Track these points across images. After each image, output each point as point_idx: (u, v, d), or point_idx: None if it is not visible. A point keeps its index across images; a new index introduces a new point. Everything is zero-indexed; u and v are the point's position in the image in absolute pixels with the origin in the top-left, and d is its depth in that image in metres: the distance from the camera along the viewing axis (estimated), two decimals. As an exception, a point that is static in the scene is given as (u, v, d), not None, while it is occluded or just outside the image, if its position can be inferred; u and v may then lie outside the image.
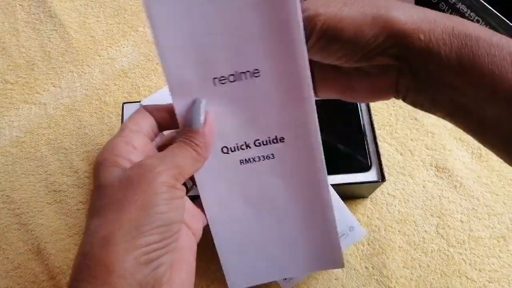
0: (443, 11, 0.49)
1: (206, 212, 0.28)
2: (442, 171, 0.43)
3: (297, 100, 0.26)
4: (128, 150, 0.24)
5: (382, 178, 0.36)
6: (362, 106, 0.39)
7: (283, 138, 0.27)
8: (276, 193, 0.28)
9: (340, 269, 0.39)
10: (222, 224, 0.29)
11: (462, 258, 0.40)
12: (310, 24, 0.24)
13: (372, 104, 0.40)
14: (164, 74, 0.25)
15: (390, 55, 0.24)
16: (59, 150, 0.44)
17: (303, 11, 0.24)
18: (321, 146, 0.27)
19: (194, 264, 0.26)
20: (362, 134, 0.38)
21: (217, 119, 0.26)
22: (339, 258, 0.30)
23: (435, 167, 0.43)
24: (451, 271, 0.39)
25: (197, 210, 0.28)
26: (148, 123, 0.26)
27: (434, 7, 0.50)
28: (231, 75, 0.25)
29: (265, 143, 0.27)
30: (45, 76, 0.48)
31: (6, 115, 0.46)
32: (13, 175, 0.43)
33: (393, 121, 0.45)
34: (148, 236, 0.22)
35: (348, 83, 0.27)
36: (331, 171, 0.36)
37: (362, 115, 0.39)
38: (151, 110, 0.27)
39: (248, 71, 0.25)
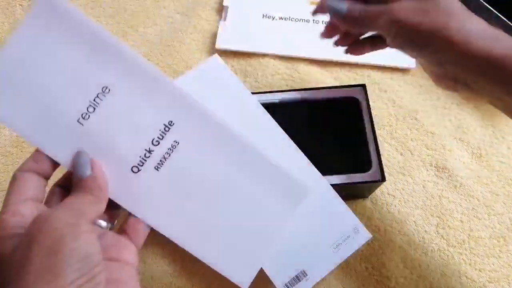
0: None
1: (165, 234, 0.28)
2: (442, 171, 0.43)
3: (153, 86, 0.27)
4: (17, 221, 0.23)
5: (382, 178, 0.36)
6: (363, 106, 0.39)
7: (171, 121, 0.27)
8: (209, 170, 0.28)
9: (340, 269, 0.39)
10: (187, 235, 0.28)
11: (462, 258, 0.40)
12: (391, 25, 0.29)
13: (372, 104, 0.40)
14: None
15: (447, 69, 0.29)
16: (59, 150, 0.44)
17: (387, 12, 0.29)
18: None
19: None
20: (362, 134, 0.38)
21: (106, 148, 0.27)
22: (303, 186, 0.30)
23: (435, 167, 0.43)
24: (451, 271, 0.39)
25: (124, 241, 0.27)
26: (32, 186, 0.25)
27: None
28: (88, 107, 0.26)
29: (160, 136, 0.27)
30: (45, 76, 0.48)
31: (6, 115, 0.46)
32: (13, 175, 0.43)
33: (393, 121, 0.45)
34: (66, 275, 0.20)
35: (437, 74, 0.32)
36: (331, 171, 0.36)
37: (362, 115, 0.39)
38: (32, 169, 0.26)
39: (99, 93, 0.26)
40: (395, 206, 0.42)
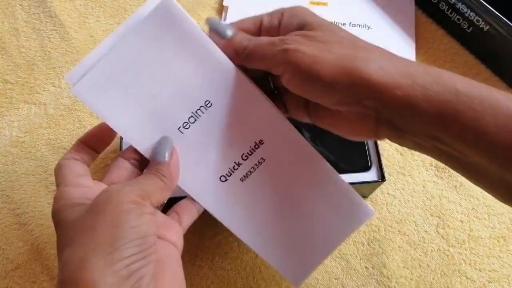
0: (443, 10, 0.49)
1: (243, 239, 0.30)
2: (442, 171, 0.43)
3: (251, 105, 0.28)
4: (80, 191, 0.25)
5: (382, 178, 0.36)
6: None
7: (262, 140, 0.29)
8: (287, 187, 0.30)
9: (340, 269, 0.39)
10: (254, 235, 0.31)
11: (462, 258, 0.40)
12: (286, 58, 0.24)
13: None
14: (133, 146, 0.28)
15: (366, 106, 0.24)
16: (59, 150, 0.44)
17: (283, 42, 0.25)
18: (293, 127, 0.29)
19: (180, 274, 0.27)
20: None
21: (200, 157, 0.29)
22: (366, 210, 0.31)
23: (435, 167, 0.43)
24: (451, 271, 0.39)
25: (171, 222, 0.29)
26: (81, 169, 0.27)
27: (434, 7, 0.50)
28: (190, 117, 0.28)
29: (250, 152, 0.29)
30: (45, 76, 0.48)
31: (6, 115, 0.46)
32: (13, 175, 0.43)
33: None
34: (124, 249, 0.22)
35: (330, 119, 0.28)
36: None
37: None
38: (76, 158, 0.27)
39: (201, 106, 0.28)
40: (395, 206, 0.42)
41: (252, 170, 0.29)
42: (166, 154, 0.27)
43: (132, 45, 0.26)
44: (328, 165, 0.30)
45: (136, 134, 0.28)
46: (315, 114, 0.29)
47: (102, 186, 0.26)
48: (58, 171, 0.27)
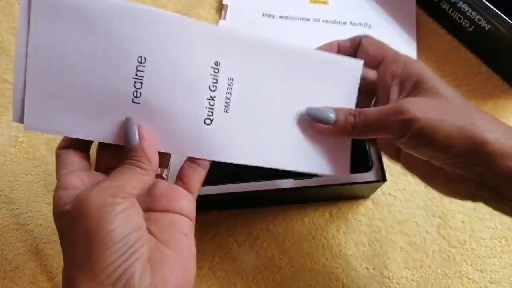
0: (444, 9, 0.49)
1: (268, 165, 0.29)
2: (443, 171, 0.43)
3: (182, 37, 0.26)
4: (69, 194, 0.25)
5: (383, 178, 0.36)
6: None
7: (217, 62, 0.27)
8: (270, 90, 0.29)
9: (340, 270, 0.39)
10: (273, 155, 0.29)
11: (463, 259, 0.39)
12: (406, 125, 0.25)
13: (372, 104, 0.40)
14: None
15: (473, 171, 0.25)
16: (58, 150, 0.44)
17: (401, 112, 0.25)
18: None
19: (188, 251, 0.26)
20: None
21: (170, 115, 0.26)
22: (354, 63, 0.30)
23: (436, 167, 0.43)
24: (452, 271, 0.39)
25: (177, 190, 0.28)
26: (76, 159, 0.26)
27: (435, 6, 0.49)
28: (135, 83, 0.26)
29: (214, 80, 0.27)
30: (44, 75, 0.48)
31: (5, 115, 0.46)
32: (12, 175, 0.43)
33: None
34: (105, 258, 0.21)
35: (424, 170, 0.29)
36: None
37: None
38: (72, 144, 0.27)
39: (137, 66, 0.26)
40: (396, 207, 0.41)
41: (228, 95, 0.27)
42: (133, 137, 0.26)
43: (38, 47, 0.24)
44: (292, 46, 0.28)
45: (102, 132, 0.26)
46: (408, 160, 0.30)
47: (98, 179, 0.26)
48: (56, 164, 0.26)
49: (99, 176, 0.27)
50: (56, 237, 0.40)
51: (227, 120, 0.28)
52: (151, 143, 0.26)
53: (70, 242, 0.23)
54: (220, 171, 0.37)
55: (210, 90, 0.27)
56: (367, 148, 0.37)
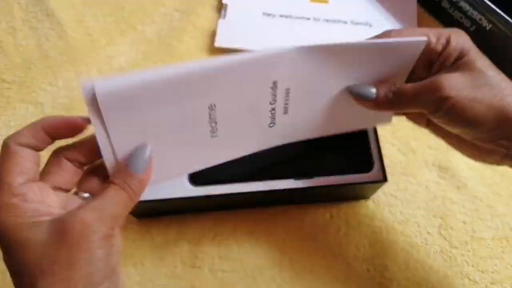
0: (445, 9, 0.48)
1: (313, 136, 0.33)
2: (445, 171, 0.43)
3: (242, 75, 0.27)
4: (33, 208, 0.23)
5: (384, 178, 0.36)
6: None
7: (275, 82, 0.28)
8: (327, 87, 0.31)
9: (341, 271, 0.39)
10: (323, 127, 0.33)
11: (464, 260, 0.39)
12: (439, 103, 0.26)
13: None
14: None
15: (500, 145, 0.27)
16: (57, 150, 0.44)
17: (436, 89, 0.26)
18: None
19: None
20: (364, 134, 0.38)
21: (241, 139, 0.30)
22: (416, 42, 0.29)
23: (437, 167, 0.43)
24: (454, 272, 0.39)
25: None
26: (30, 164, 0.24)
27: (436, 5, 0.49)
28: (212, 125, 0.28)
29: (274, 95, 0.29)
30: (42, 75, 0.47)
31: (3, 115, 0.45)
32: (10, 176, 0.43)
33: (395, 121, 0.45)
34: (100, 285, 0.22)
35: (454, 139, 0.30)
36: (333, 172, 0.36)
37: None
38: (30, 144, 0.24)
39: (210, 111, 0.27)
40: (397, 207, 0.41)
41: (286, 102, 0.30)
42: (142, 167, 0.25)
43: (119, 134, 0.24)
44: (346, 43, 0.28)
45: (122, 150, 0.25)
46: (435, 127, 0.31)
47: (50, 195, 0.24)
48: (4, 159, 0.23)
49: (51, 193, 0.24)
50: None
51: (287, 119, 0.31)
52: (148, 180, 0.26)
53: (67, 262, 0.22)
54: (220, 172, 0.36)
55: (271, 104, 0.29)
56: (369, 148, 0.37)
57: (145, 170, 0.25)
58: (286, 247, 0.40)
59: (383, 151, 0.37)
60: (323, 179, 0.36)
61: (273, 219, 0.41)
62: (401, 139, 0.44)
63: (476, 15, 0.46)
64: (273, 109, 0.30)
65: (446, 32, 0.29)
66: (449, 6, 0.48)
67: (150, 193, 0.35)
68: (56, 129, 0.25)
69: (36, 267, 0.22)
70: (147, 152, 0.25)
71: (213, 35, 0.49)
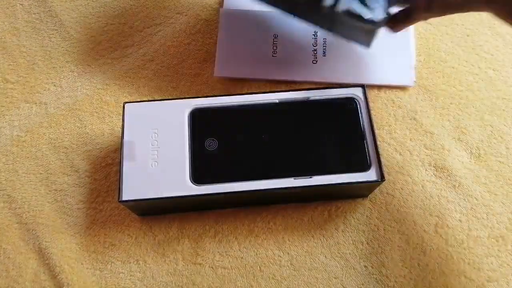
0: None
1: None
2: (441, 170, 0.43)
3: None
4: None
5: (381, 178, 0.37)
6: (362, 106, 0.39)
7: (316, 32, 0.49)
8: None
9: (339, 268, 0.39)
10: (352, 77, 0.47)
11: (460, 258, 0.40)
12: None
13: (371, 105, 0.40)
14: None
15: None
16: (60, 149, 0.45)
17: None
18: None
19: None
20: (362, 134, 0.38)
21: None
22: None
23: (434, 166, 0.43)
24: (450, 270, 0.39)
25: None
26: None
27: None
28: None
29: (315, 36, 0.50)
30: (46, 75, 0.48)
31: (7, 115, 0.46)
32: (14, 175, 0.43)
33: (392, 121, 0.46)
34: None
35: None
36: (331, 171, 0.37)
37: (361, 115, 0.39)
38: None
39: None
40: (394, 206, 0.42)
41: (324, 47, 0.47)
42: None
43: None
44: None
45: None
46: None
47: None
48: None
49: None
50: (58, 236, 0.41)
51: (326, 61, 0.46)
52: None
53: None
54: (221, 172, 0.37)
55: (313, 46, 0.47)
56: (366, 147, 0.38)
57: None
58: (285, 244, 0.40)
59: (380, 151, 0.38)
60: (321, 178, 0.36)
61: (273, 217, 0.41)
62: (397, 139, 0.45)
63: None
64: (315, 49, 0.46)
65: None
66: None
67: (153, 192, 0.36)
68: None
69: None
70: None
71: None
